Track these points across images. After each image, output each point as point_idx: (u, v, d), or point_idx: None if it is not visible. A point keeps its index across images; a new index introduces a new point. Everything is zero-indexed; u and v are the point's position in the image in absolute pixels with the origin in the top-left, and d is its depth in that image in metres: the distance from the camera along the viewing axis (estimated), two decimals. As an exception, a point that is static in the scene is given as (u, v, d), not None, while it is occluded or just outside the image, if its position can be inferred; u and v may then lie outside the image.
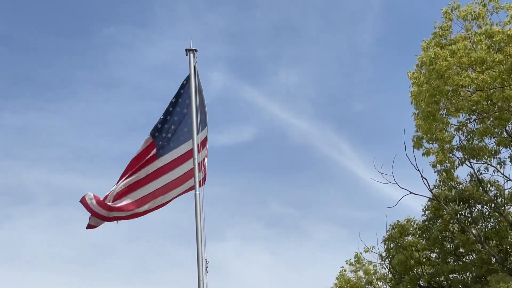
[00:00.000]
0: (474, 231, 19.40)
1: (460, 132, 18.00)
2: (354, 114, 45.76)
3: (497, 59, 15.69)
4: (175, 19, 46.31)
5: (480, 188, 19.22)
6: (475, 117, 17.72)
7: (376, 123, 44.95)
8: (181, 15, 45.89)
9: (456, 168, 18.56)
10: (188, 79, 11.47)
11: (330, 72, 46.93)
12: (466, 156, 18.24)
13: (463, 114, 17.68)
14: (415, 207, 29.24)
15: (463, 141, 18.06)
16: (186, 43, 11.55)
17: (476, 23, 16.92)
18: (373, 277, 20.89)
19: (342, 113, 45.79)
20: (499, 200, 19.35)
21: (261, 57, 47.42)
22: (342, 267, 21.29)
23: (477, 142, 18.00)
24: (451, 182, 19.67)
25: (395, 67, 43.81)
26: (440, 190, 19.90)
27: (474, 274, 19.64)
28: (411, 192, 18.70)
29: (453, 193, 19.69)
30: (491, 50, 15.98)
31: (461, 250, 20.00)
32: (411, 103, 17.83)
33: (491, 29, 16.34)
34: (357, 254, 21.10)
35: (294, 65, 47.18)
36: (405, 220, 20.56)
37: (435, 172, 18.80)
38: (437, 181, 19.90)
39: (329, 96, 46.78)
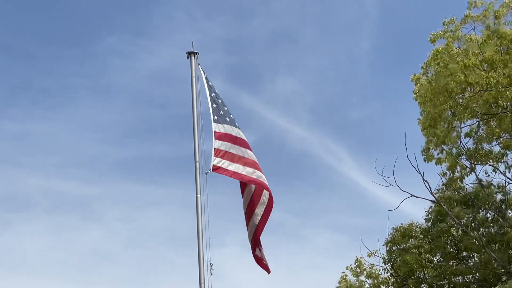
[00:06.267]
0: (477, 235, 19.13)
1: (469, 137, 17.72)
2: (351, 121, 45.83)
3: (509, 58, 15.38)
4: (173, 28, 46.41)
5: (483, 192, 18.95)
6: (478, 119, 17.42)
7: (374, 129, 45.02)
8: (179, 23, 45.95)
9: (467, 176, 18.25)
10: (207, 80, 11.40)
11: (328, 79, 47.10)
12: (472, 161, 17.95)
13: (469, 118, 17.35)
14: (416, 212, 29.16)
15: (468, 145, 17.79)
16: (184, 51, 11.52)
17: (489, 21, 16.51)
18: (376, 281, 20.56)
19: (340, 120, 45.86)
20: (503, 205, 19.07)
21: (258, 65, 47.58)
22: (343, 272, 20.92)
23: (486, 145, 17.72)
24: (455, 185, 19.36)
25: (392, 74, 43.77)
26: (443, 194, 19.61)
27: (477, 277, 19.39)
28: (412, 195, 18.33)
29: (456, 196, 19.41)
30: (499, 50, 15.68)
31: (463, 253, 19.77)
32: (416, 100, 17.58)
33: (503, 29, 15.98)
34: (357, 259, 20.73)
35: (291, 73, 47.37)
36: (408, 224, 20.31)
37: (445, 179, 18.49)
38: (440, 185, 19.63)
39: (327, 103, 46.90)
